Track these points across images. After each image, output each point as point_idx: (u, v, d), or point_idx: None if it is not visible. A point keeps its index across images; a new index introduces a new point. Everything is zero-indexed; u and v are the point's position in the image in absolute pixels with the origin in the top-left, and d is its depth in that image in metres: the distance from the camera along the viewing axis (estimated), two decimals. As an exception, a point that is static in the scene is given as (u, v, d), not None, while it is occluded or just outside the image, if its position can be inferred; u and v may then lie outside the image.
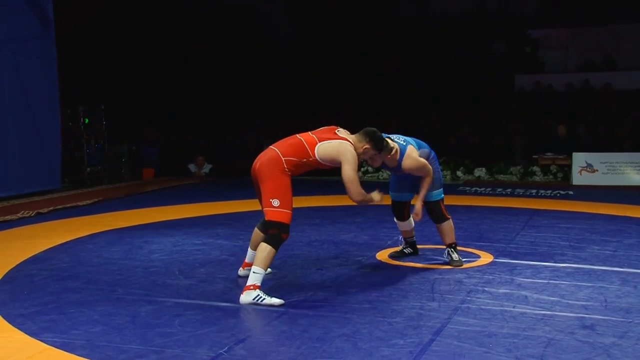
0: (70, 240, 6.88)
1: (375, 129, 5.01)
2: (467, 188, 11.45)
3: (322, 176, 11.18)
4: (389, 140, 5.26)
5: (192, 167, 13.82)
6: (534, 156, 12.84)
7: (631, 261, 5.73)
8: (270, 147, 4.77)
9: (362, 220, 7.92)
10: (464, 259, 5.72)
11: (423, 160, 5.38)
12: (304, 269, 5.55)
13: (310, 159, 4.71)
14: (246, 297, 4.51)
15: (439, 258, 5.86)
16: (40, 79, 10.79)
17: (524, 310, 4.35)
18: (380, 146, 5.00)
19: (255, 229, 5.15)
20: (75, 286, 5.09)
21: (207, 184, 12.50)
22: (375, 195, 4.90)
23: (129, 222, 7.98)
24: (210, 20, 16.54)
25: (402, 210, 5.79)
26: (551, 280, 5.09)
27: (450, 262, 5.60)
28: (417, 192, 5.52)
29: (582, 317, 4.20)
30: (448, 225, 5.60)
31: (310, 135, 4.83)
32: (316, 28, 17.39)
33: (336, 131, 4.91)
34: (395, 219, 5.90)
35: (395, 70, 16.97)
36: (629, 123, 14.10)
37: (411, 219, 5.76)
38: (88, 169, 12.32)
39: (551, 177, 12.37)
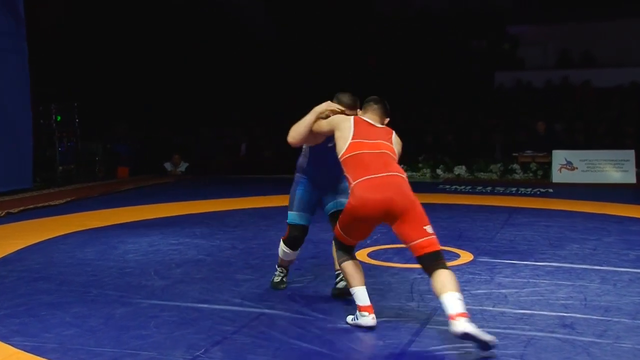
0: (42, 241, 6.72)
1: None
2: (447, 186, 11.44)
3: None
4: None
5: (168, 165, 13.70)
6: (513, 154, 12.89)
7: (610, 259, 5.74)
8: (388, 173, 3.94)
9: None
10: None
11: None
12: (283, 269, 5.47)
13: None
14: (470, 326, 3.51)
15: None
16: (10, 75, 10.54)
17: (503, 309, 4.33)
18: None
19: (352, 262, 4.09)
20: (47, 288, 4.97)
21: (184, 182, 12.38)
22: (319, 107, 4.32)
23: (103, 222, 7.84)
24: (189, 15, 16.38)
25: (303, 238, 4.79)
26: (531, 279, 5.08)
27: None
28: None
29: (562, 316, 4.18)
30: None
31: (383, 143, 4.09)
32: (297, 25, 17.30)
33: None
34: (289, 249, 4.77)
35: (374, 67, 16.93)
36: (607, 120, 14.20)
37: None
38: (60, 167, 12.08)
39: (531, 174, 12.40)
